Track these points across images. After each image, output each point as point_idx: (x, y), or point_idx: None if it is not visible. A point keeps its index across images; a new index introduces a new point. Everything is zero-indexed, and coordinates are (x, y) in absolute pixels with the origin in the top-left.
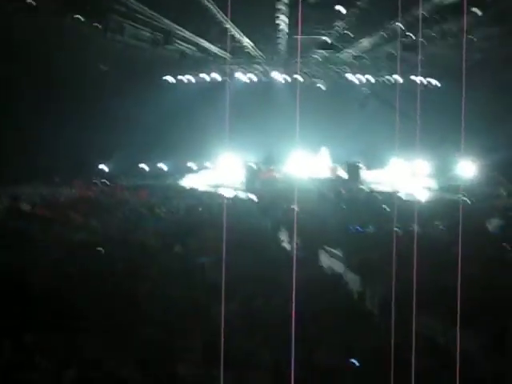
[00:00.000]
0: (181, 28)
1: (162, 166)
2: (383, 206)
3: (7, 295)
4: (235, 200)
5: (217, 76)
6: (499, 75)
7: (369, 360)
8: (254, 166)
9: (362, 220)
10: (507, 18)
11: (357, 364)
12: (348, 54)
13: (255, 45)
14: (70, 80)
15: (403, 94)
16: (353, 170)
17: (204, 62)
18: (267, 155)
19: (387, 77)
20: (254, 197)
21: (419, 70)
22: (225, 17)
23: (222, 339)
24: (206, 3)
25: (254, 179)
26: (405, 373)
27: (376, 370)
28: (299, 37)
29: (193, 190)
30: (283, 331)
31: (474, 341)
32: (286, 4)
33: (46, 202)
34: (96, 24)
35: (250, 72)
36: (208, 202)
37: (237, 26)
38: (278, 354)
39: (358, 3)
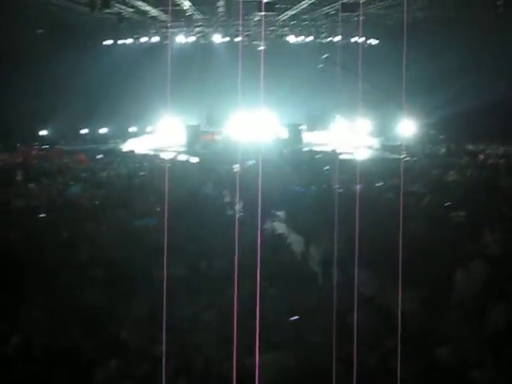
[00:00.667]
0: None
1: (104, 130)
2: (325, 166)
3: None
4: (176, 163)
5: (157, 39)
6: (439, 34)
7: (311, 319)
8: (195, 128)
9: (303, 181)
10: None
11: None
12: (288, 15)
13: (195, 7)
14: (6, 46)
15: (344, 55)
16: (294, 131)
17: (143, 25)
18: (208, 117)
19: (328, 38)
20: (195, 159)
21: (360, 29)
22: None
23: (165, 302)
24: None
25: (195, 141)
26: (345, 332)
27: (318, 328)
28: None
29: (134, 154)
30: (226, 293)
31: (414, 299)
32: None
33: None
34: None
35: (191, 34)
36: (149, 165)
37: None
38: (222, 317)
39: None
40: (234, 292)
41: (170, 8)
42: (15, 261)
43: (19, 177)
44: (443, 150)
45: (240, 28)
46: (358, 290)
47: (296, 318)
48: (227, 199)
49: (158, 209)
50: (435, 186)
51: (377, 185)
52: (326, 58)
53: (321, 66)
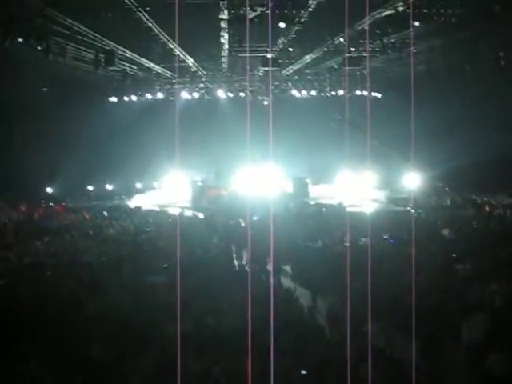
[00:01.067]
0: (123, 48)
1: (110, 186)
2: (331, 220)
3: None
4: (182, 218)
5: (161, 95)
6: (442, 87)
7: (320, 372)
8: (200, 184)
9: (310, 234)
10: (448, 31)
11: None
12: (291, 70)
13: (199, 63)
14: (12, 102)
15: (348, 108)
16: (300, 185)
17: (148, 81)
18: (214, 172)
19: (332, 92)
20: (200, 214)
21: (368, 83)
22: (167, 37)
23: (179, 358)
24: (149, 24)
25: (200, 197)
26: None
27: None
28: (243, 55)
29: (140, 210)
30: (236, 348)
31: (421, 349)
32: (228, 22)
33: None
34: (37, 46)
35: (195, 90)
36: (155, 221)
37: (180, 46)
38: (233, 370)
39: (300, 20)
40: (243, 347)
41: (176, 65)
42: (23, 316)
43: (25, 234)
44: (449, 202)
45: (244, 83)
46: (367, 341)
47: (305, 372)
48: (233, 254)
49: (165, 265)
50: (441, 238)
51: (384, 237)
52: (339, 118)
53: (334, 126)
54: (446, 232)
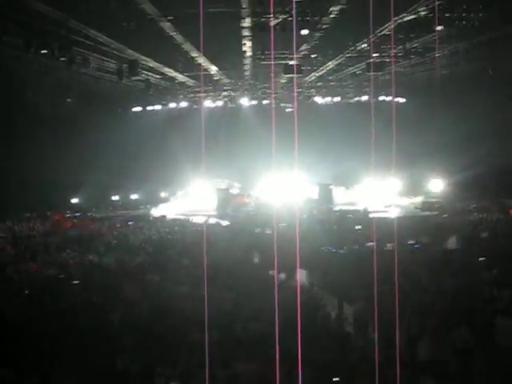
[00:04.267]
0: (146, 58)
1: (135, 196)
2: (356, 225)
3: None
4: (207, 226)
5: (185, 104)
6: (466, 92)
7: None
8: (225, 192)
9: (335, 241)
10: (470, 35)
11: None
12: (314, 76)
13: (222, 72)
14: (36, 115)
15: (373, 114)
16: (324, 191)
17: (171, 90)
18: (238, 180)
19: (355, 98)
20: (225, 222)
21: (389, 89)
22: (190, 46)
23: (207, 367)
24: (172, 33)
25: (225, 205)
26: None
27: None
28: (265, 62)
29: (165, 219)
30: (263, 356)
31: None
32: (251, 30)
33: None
34: (61, 57)
35: (218, 98)
36: (180, 229)
37: (203, 54)
38: (260, 378)
39: (323, 26)
40: (270, 355)
41: (199, 74)
42: (49, 328)
43: (52, 245)
44: (474, 206)
45: (267, 91)
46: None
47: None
48: (259, 262)
49: (192, 273)
50: (467, 243)
51: (409, 242)
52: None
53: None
54: (469, 237)
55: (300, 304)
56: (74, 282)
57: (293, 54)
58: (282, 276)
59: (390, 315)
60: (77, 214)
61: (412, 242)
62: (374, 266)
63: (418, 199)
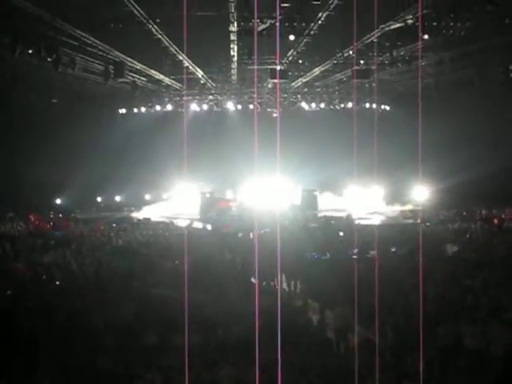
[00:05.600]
0: (133, 60)
1: (118, 198)
2: (340, 232)
3: None
4: (191, 230)
5: (170, 107)
6: (451, 100)
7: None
8: (209, 195)
9: (318, 247)
10: (456, 44)
11: None
12: (300, 82)
13: (208, 75)
14: (22, 115)
15: (357, 121)
16: (308, 197)
17: (157, 93)
18: (222, 184)
19: (340, 104)
20: (209, 226)
21: (375, 96)
22: (177, 49)
23: (186, 369)
24: (158, 35)
25: (209, 208)
26: None
27: None
28: (252, 67)
29: (149, 221)
30: (243, 360)
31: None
32: (238, 34)
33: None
34: (47, 58)
35: (204, 102)
36: (164, 232)
37: (189, 58)
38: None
39: (310, 32)
40: (251, 359)
41: (185, 77)
42: (31, 328)
43: (33, 245)
44: (456, 215)
45: (253, 95)
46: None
47: None
48: (241, 266)
49: (175, 276)
50: (449, 252)
51: (392, 250)
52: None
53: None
54: (452, 247)
55: (281, 309)
56: (57, 282)
57: (278, 60)
58: (264, 281)
59: (372, 321)
60: (60, 215)
61: (394, 249)
62: (355, 272)
63: (402, 207)
